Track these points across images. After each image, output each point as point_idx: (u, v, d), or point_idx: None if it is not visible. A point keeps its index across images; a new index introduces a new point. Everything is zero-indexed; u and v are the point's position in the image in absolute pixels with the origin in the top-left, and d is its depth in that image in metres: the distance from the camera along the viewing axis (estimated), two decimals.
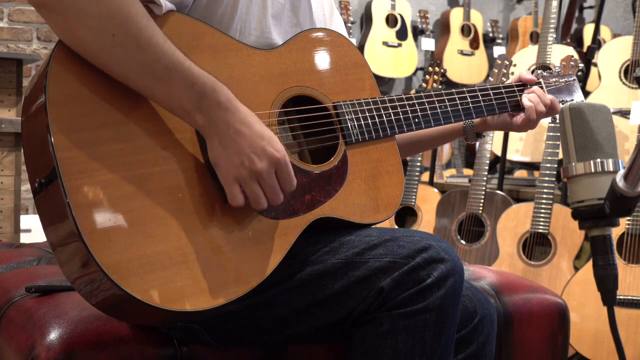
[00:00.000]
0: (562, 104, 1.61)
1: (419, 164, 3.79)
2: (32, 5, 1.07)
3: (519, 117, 1.57)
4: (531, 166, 4.01)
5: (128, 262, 1.04)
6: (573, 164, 1.02)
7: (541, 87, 1.61)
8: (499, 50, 5.71)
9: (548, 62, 3.51)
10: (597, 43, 3.42)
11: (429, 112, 1.44)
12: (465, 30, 5.57)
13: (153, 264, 1.06)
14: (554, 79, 1.65)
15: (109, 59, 1.08)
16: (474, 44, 5.57)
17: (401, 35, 5.27)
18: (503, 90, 1.56)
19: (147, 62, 1.08)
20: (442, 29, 5.63)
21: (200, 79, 1.11)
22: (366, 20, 5.32)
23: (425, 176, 4.36)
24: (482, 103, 1.52)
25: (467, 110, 1.50)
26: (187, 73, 1.10)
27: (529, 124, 1.57)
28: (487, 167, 3.42)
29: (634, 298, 2.75)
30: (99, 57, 1.08)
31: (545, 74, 1.65)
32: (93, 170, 1.05)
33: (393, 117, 1.39)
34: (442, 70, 3.57)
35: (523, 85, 1.59)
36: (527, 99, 1.56)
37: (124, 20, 1.06)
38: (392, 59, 5.23)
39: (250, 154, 1.12)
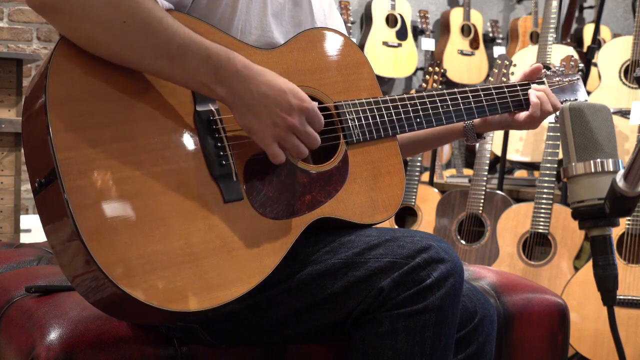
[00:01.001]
0: (564, 103, 1.60)
1: (419, 164, 3.79)
2: (34, 9, 1.07)
3: (522, 114, 1.56)
4: (531, 166, 4.01)
5: (128, 262, 1.04)
6: (573, 164, 1.02)
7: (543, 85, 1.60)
8: (499, 50, 5.71)
9: (548, 62, 3.51)
10: (597, 43, 3.42)
11: (430, 111, 1.44)
12: (465, 30, 5.57)
13: (153, 264, 1.06)
14: (557, 78, 1.64)
15: (122, 48, 1.08)
16: (474, 44, 5.57)
17: (401, 35, 5.27)
18: (506, 90, 1.55)
19: (160, 44, 1.09)
20: (442, 29, 5.63)
21: (214, 51, 1.12)
22: (366, 20, 5.32)
23: (425, 176, 4.36)
24: (484, 102, 1.51)
25: (469, 109, 1.49)
26: (200, 47, 1.11)
27: (532, 122, 1.55)
28: (487, 167, 3.42)
29: (634, 298, 2.75)
30: (112, 48, 1.08)
31: (549, 73, 1.64)
32: (93, 171, 1.05)
33: (394, 117, 1.39)
34: (442, 70, 3.57)
35: (526, 84, 1.58)
36: (535, 95, 1.53)
37: (130, 7, 1.06)
38: (392, 59, 5.24)
39: (280, 112, 1.16)
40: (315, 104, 1.22)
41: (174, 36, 1.10)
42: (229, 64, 1.13)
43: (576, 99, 1.64)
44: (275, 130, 1.16)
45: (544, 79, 1.61)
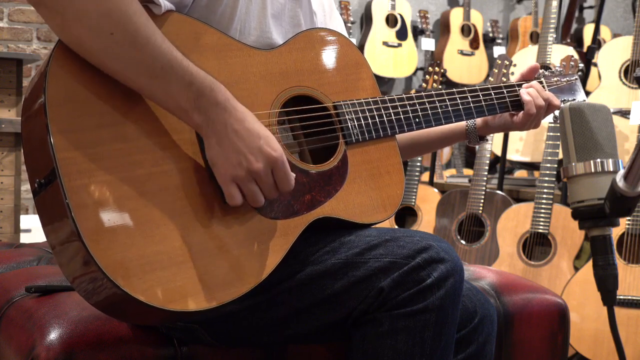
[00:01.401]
0: (564, 103, 1.60)
1: (419, 164, 3.79)
2: (31, 4, 1.07)
3: (520, 115, 1.56)
4: (531, 166, 4.01)
5: (128, 262, 1.04)
6: (573, 164, 1.02)
7: (542, 85, 1.60)
8: (499, 50, 5.71)
9: (548, 62, 3.51)
10: (597, 43, 3.42)
11: (429, 111, 1.44)
12: (465, 30, 5.57)
13: (152, 264, 1.06)
14: (555, 78, 1.64)
15: (106, 58, 1.08)
16: (474, 44, 5.57)
17: (401, 35, 5.27)
18: (504, 89, 1.55)
19: (144, 61, 1.08)
20: (442, 29, 5.63)
21: (198, 78, 1.11)
22: (366, 20, 5.32)
23: (425, 176, 4.36)
24: (482, 102, 1.51)
25: (467, 109, 1.49)
26: (185, 72, 1.10)
27: (529, 120, 1.55)
28: (487, 167, 3.42)
29: (634, 298, 2.75)
30: (97, 56, 1.08)
31: (547, 73, 1.64)
32: (92, 171, 1.05)
33: (393, 117, 1.39)
34: (442, 70, 3.57)
35: (525, 82, 1.59)
36: (526, 92, 1.55)
37: (121, 19, 1.06)
38: (392, 59, 5.24)
39: (247, 154, 1.12)
40: (290, 160, 1.18)
41: (160, 56, 1.08)
42: (211, 94, 1.11)
43: (574, 99, 1.64)
44: (236, 171, 1.12)
45: (542, 79, 1.62)
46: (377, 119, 1.37)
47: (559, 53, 3.55)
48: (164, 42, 1.09)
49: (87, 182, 1.04)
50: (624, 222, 2.82)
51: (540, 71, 1.63)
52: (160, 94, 1.10)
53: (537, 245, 3.14)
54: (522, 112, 1.55)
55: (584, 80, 3.40)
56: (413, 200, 3.78)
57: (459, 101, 1.48)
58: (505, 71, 2.88)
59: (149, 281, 1.05)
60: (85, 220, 1.02)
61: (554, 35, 3.60)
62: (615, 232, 2.79)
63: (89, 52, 1.08)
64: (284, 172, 1.16)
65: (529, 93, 1.54)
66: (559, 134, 3.05)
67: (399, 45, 5.26)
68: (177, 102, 1.10)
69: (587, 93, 3.63)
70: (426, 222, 3.74)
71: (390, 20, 5.27)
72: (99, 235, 1.03)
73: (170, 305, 1.06)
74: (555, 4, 3.65)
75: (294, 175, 1.18)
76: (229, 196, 1.14)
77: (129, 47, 1.07)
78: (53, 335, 1.20)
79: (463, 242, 3.44)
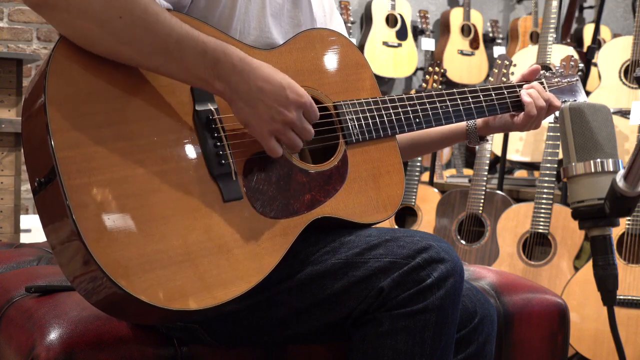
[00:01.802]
0: (565, 103, 1.60)
1: (419, 164, 3.79)
2: (31, 7, 1.07)
3: (520, 115, 1.56)
4: (531, 166, 4.01)
5: (127, 261, 1.04)
6: (573, 164, 1.02)
7: (542, 86, 1.60)
8: (499, 50, 5.71)
9: (548, 62, 3.51)
10: (597, 43, 3.42)
11: (429, 111, 1.44)
12: (465, 30, 5.57)
13: (152, 263, 1.06)
14: (556, 79, 1.64)
15: (118, 44, 1.08)
16: (474, 44, 5.57)
17: (401, 35, 5.27)
18: (505, 90, 1.55)
19: (157, 40, 1.09)
20: (442, 29, 5.63)
21: (211, 45, 1.12)
22: (366, 20, 5.32)
23: (425, 176, 4.36)
24: (483, 102, 1.51)
25: (468, 109, 1.49)
26: (198, 42, 1.11)
27: (530, 121, 1.55)
28: (487, 167, 3.42)
29: (634, 298, 2.75)
30: (109, 44, 1.08)
31: (547, 74, 1.64)
32: (92, 170, 1.05)
33: (394, 117, 1.39)
34: (442, 70, 3.57)
35: (526, 83, 1.58)
36: (527, 94, 1.54)
37: (126, 2, 1.06)
38: (392, 59, 5.24)
39: (278, 107, 1.16)
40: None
41: (171, 31, 1.09)
42: (226, 58, 1.13)
43: (575, 100, 1.64)
44: (272, 125, 1.17)
45: (543, 80, 1.62)
46: (377, 119, 1.37)
47: (559, 53, 3.55)
48: (172, 18, 1.11)
49: (87, 181, 1.04)
50: (624, 222, 2.82)
51: (541, 72, 1.63)
52: (177, 69, 1.11)
53: (537, 245, 3.14)
54: (522, 113, 1.55)
55: (584, 80, 3.40)
56: (413, 200, 3.78)
57: (459, 101, 1.48)
58: (505, 71, 2.87)
59: (149, 280, 1.05)
60: (85, 219, 1.02)
61: (554, 35, 3.61)
62: (615, 232, 2.79)
63: (100, 42, 1.08)
64: (314, 112, 1.21)
65: (530, 94, 1.54)
66: (559, 134, 3.05)
67: (399, 45, 5.26)
68: (196, 74, 1.12)
69: (587, 93, 3.63)
70: (426, 222, 3.74)
71: (390, 20, 5.27)
72: (98, 234, 1.03)
73: (170, 304, 1.06)
74: (555, 4, 3.65)
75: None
76: (270, 149, 1.18)
77: (139, 28, 1.07)
78: (53, 335, 1.20)
79: (463, 242, 3.44)
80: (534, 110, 1.53)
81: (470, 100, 1.50)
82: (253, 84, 1.14)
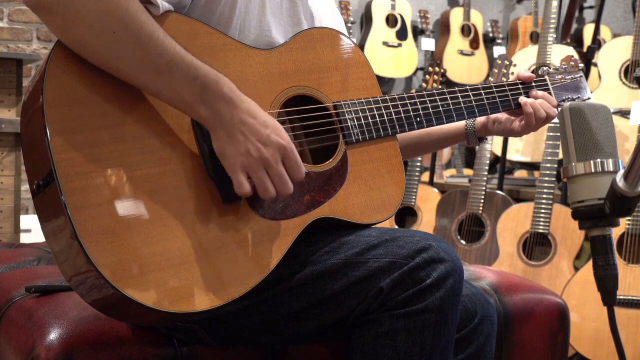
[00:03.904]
0: (568, 101, 1.59)
1: (419, 164, 3.79)
2: (30, 7, 1.07)
3: (519, 123, 1.56)
4: (531, 166, 4.01)
5: (125, 264, 1.04)
6: (573, 164, 1.02)
7: (546, 84, 1.58)
8: (499, 50, 5.71)
9: (548, 62, 3.51)
10: (597, 43, 3.42)
11: (430, 110, 1.44)
12: (465, 30, 5.57)
13: (150, 265, 1.06)
14: (559, 76, 1.63)
15: (110, 57, 1.08)
16: (474, 44, 5.57)
17: (401, 35, 5.27)
18: (507, 88, 1.54)
19: (148, 58, 1.08)
20: (442, 29, 5.63)
21: (202, 71, 1.11)
22: (366, 20, 5.32)
23: (425, 176, 4.36)
24: (485, 101, 1.50)
25: (469, 107, 1.48)
26: (190, 67, 1.10)
27: (529, 130, 1.55)
28: (487, 167, 3.42)
29: (634, 298, 2.75)
30: (100, 56, 1.08)
31: (551, 70, 1.63)
32: (90, 172, 1.05)
33: (394, 116, 1.39)
34: (442, 70, 3.57)
35: (527, 84, 1.57)
36: (529, 105, 1.52)
37: (123, 17, 1.06)
38: (392, 59, 5.23)
39: (256, 142, 1.12)
40: (295, 148, 1.16)
41: (164, 52, 1.09)
42: (217, 87, 1.11)
43: (579, 97, 1.63)
44: (247, 159, 1.12)
45: (546, 77, 1.60)
46: (378, 119, 1.37)
47: (559, 53, 3.55)
48: (167, 38, 1.10)
49: (85, 183, 1.04)
50: (624, 222, 2.82)
51: (544, 69, 1.62)
52: (165, 89, 1.10)
53: (537, 245, 3.14)
54: (522, 121, 1.55)
55: None
56: (413, 200, 3.78)
57: (460, 99, 1.47)
58: (505, 71, 2.87)
59: (146, 282, 1.05)
60: (82, 221, 1.02)
61: (554, 35, 3.60)
62: (615, 232, 2.79)
63: (92, 52, 1.08)
64: (295, 160, 1.15)
65: (532, 105, 1.53)
66: (559, 134, 3.05)
67: (399, 45, 5.26)
68: (182, 97, 1.10)
69: None
70: (426, 222, 3.74)
71: (390, 20, 5.27)
72: (96, 237, 1.03)
73: (168, 307, 1.06)
74: (555, 4, 3.65)
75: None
76: (238, 185, 1.12)
77: (132, 44, 1.07)
78: (53, 335, 1.20)
79: (463, 242, 3.44)
80: (534, 122, 1.53)
81: (472, 98, 1.49)
82: (237, 115, 1.12)
